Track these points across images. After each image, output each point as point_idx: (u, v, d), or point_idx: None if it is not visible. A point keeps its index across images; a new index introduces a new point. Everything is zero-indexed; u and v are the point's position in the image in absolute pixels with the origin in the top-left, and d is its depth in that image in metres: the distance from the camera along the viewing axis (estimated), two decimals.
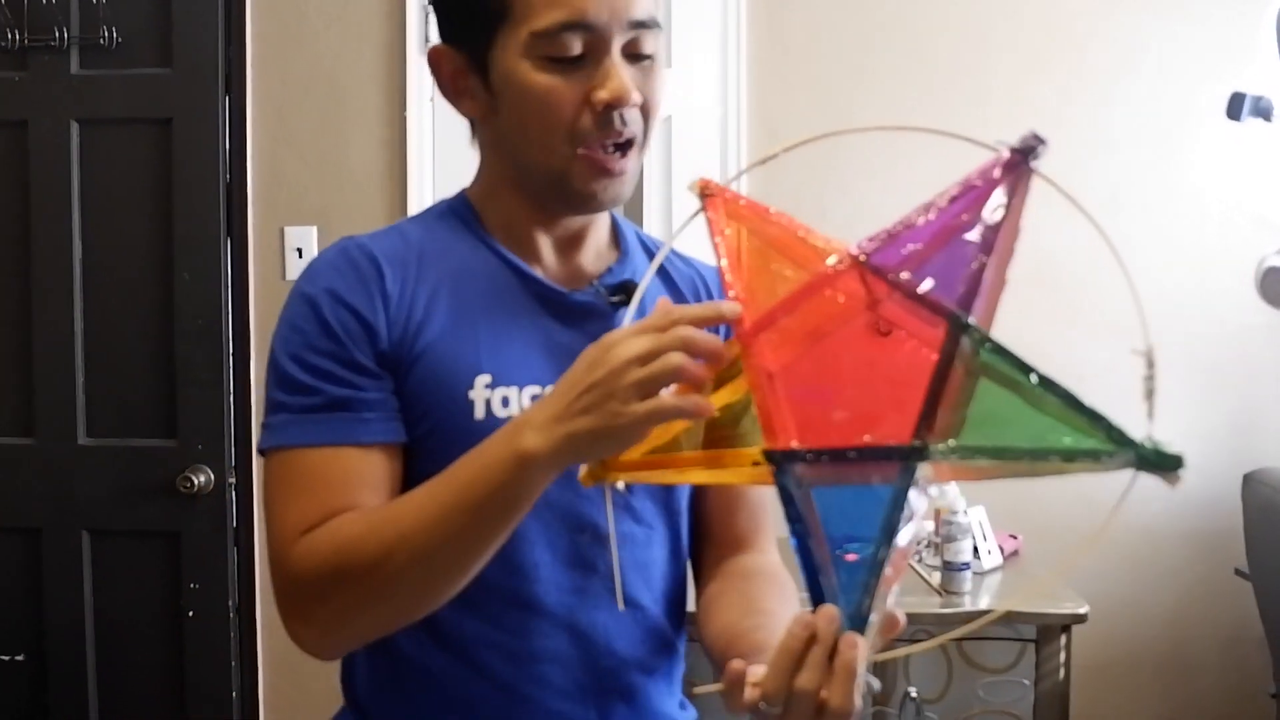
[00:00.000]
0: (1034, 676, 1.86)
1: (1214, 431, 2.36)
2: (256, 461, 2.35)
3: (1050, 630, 1.85)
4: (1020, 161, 0.75)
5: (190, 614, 2.26)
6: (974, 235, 0.72)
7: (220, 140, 2.24)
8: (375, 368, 0.90)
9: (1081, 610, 1.84)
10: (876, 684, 0.76)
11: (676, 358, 0.72)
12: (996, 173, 0.74)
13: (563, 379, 0.77)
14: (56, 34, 2.19)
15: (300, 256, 2.33)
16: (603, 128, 0.89)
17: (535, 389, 0.93)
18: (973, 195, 0.73)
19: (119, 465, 2.24)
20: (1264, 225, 2.27)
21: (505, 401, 0.92)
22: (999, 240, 0.72)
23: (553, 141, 0.90)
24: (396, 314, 0.91)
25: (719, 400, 0.78)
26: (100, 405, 2.25)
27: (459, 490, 0.80)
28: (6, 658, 2.28)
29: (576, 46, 0.88)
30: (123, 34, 2.20)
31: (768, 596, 0.98)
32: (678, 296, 1.04)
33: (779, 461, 0.72)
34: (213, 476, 2.23)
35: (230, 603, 2.27)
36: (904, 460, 0.69)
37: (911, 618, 1.84)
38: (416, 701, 0.95)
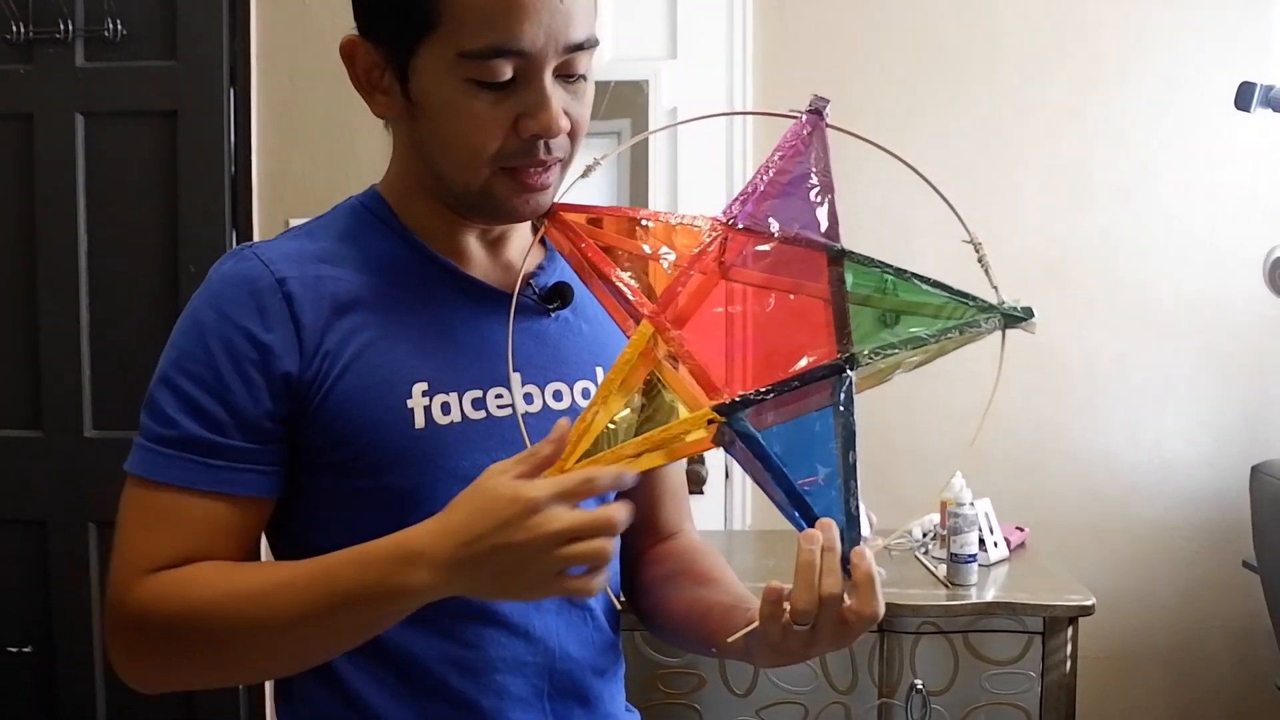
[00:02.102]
0: (1040, 669, 1.86)
1: (1223, 423, 2.35)
2: None
3: (1057, 622, 1.84)
4: (818, 118, 0.88)
5: None
6: (811, 181, 0.84)
7: (225, 133, 2.24)
8: (255, 414, 0.83)
9: (1088, 602, 1.84)
10: (884, 572, 0.87)
11: (606, 545, 0.73)
12: (805, 130, 0.87)
13: (464, 520, 0.74)
14: (61, 27, 2.19)
15: None
16: (528, 154, 0.84)
17: (475, 393, 0.88)
18: (792, 152, 0.86)
19: (125, 457, 2.24)
20: (1275, 216, 2.26)
21: (445, 408, 0.86)
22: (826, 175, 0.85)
23: (475, 164, 0.85)
24: (310, 329, 0.84)
25: (619, 401, 0.80)
26: (106, 398, 2.26)
27: (331, 597, 0.77)
28: (14, 649, 2.28)
29: (507, 72, 0.81)
30: (127, 26, 2.20)
31: (714, 568, 1.02)
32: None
33: (732, 411, 0.78)
34: None
35: None
36: (839, 374, 0.79)
37: (917, 610, 1.84)
38: None
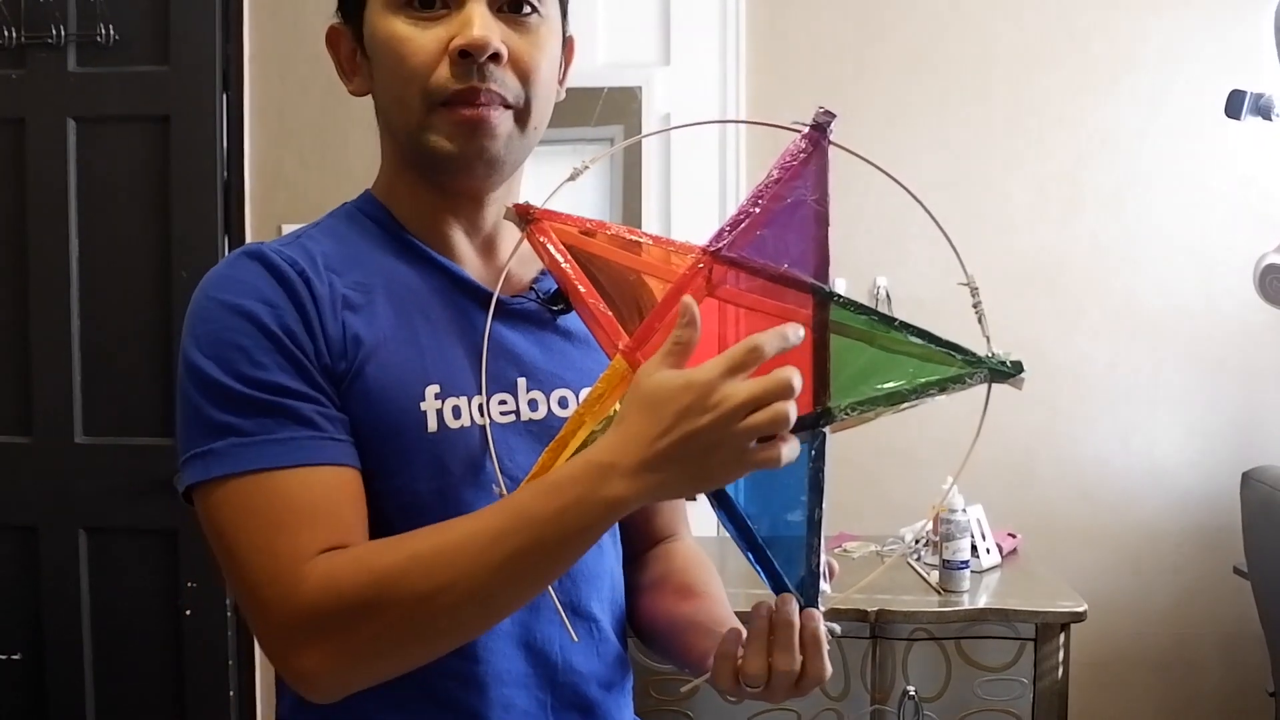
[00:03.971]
0: (1033, 675, 1.86)
1: (1213, 429, 2.36)
2: None
3: (1049, 628, 1.85)
4: (820, 136, 0.81)
5: (188, 613, 2.26)
6: (806, 210, 0.79)
7: (218, 138, 2.24)
8: (328, 388, 0.82)
9: (1080, 608, 1.84)
10: (837, 629, 0.83)
11: (786, 408, 0.71)
12: (804, 147, 0.80)
13: (645, 420, 0.73)
14: (54, 31, 2.19)
15: None
16: (460, 79, 0.83)
17: (482, 398, 0.87)
18: (790, 174, 0.79)
19: (116, 463, 2.24)
20: (1266, 223, 2.27)
21: (456, 412, 0.85)
22: (823, 204, 0.79)
23: (408, 95, 0.85)
24: (332, 325, 0.83)
25: (592, 426, 0.80)
26: (97, 404, 2.25)
27: (531, 532, 0.75)
28: (4, 656, 2.27)
29: None
30: (120, 31, 2.20)
31: (701, 581, 1.01)
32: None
33: None
34: None
35: (228, 601, 2.27)
36: (815, 427, 0.77)
37: (910, 617, 1.85)
38: None
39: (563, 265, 0.82)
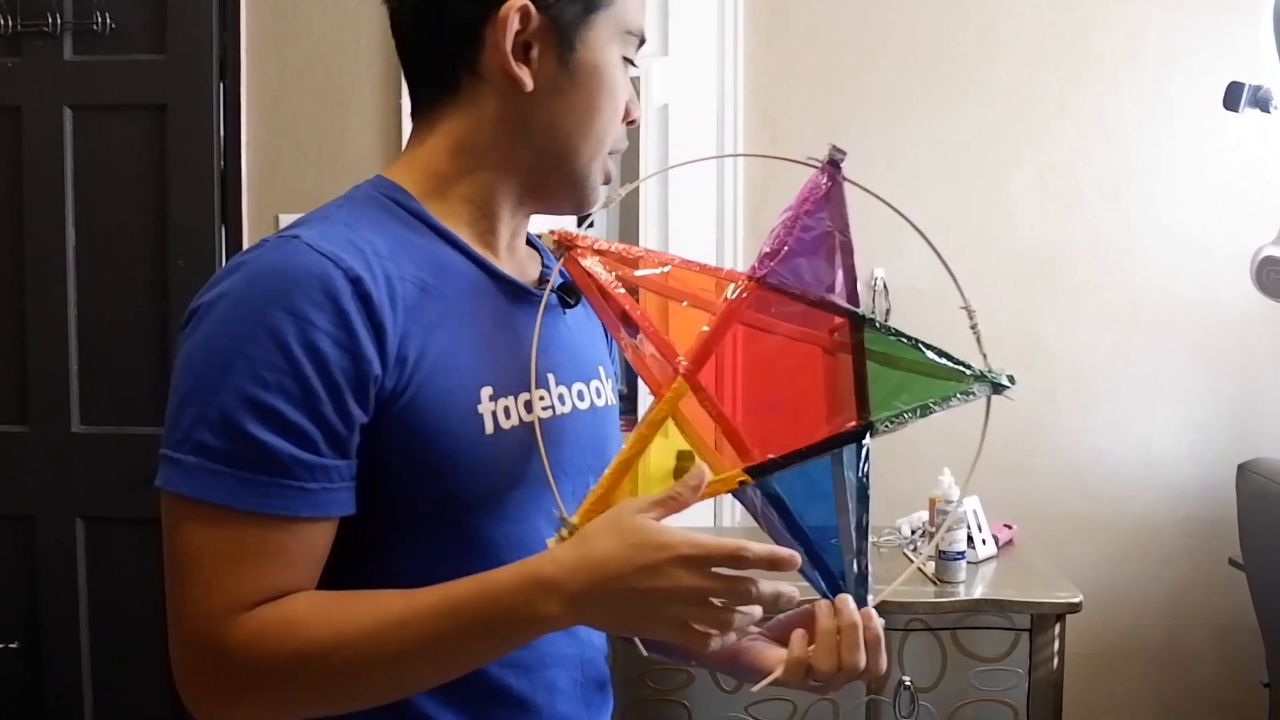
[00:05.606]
0: (1028, 665, 1.87)
1: (1209, 421, 2.36)
2: None
3: (1044, 619, 1.85)
4: (834, 170, 0.87)
5: None
6: (832, 240, 0.86)
7: (215, 127, 2.24)
8: (343, 426, 0.77)
9: (1075, 599, 1.84)
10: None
11: (733, 618, 0.76)
12: (824, 182, 0.87)
13: (607, 557, 0.74)
14: (50, 20, 2.18)
15: None
16: (621, 140, 0.92)
17: (525, 395, 0.86)
18: (814, 208, 0.86)
19: (113, 452, 2.24)
20: (1263, 214, 2.27)
21: (507, 412, 0.84)
22: (846, 234, 0.87)
23: (605, 140, 0.89)
24: (390, 334, 0.79)
25: (670, 451, 0.84)
26: (94, 393, 2.25)
27: (456, 632, 0.75)
28: (1, 645, 2.27)
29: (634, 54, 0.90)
30: (117, 20, 2.19)
31: None
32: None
33: (764, 473, 0.81)
34: None
35: None
36: (858, 440, 0.83)
37: (906, 607, 1.85)
38: None
39: (612, 291, 0.86)
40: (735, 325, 0.83)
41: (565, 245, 0.86)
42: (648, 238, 2.32)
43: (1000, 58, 2.33)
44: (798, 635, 0.84)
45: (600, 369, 0.98)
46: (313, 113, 2.32)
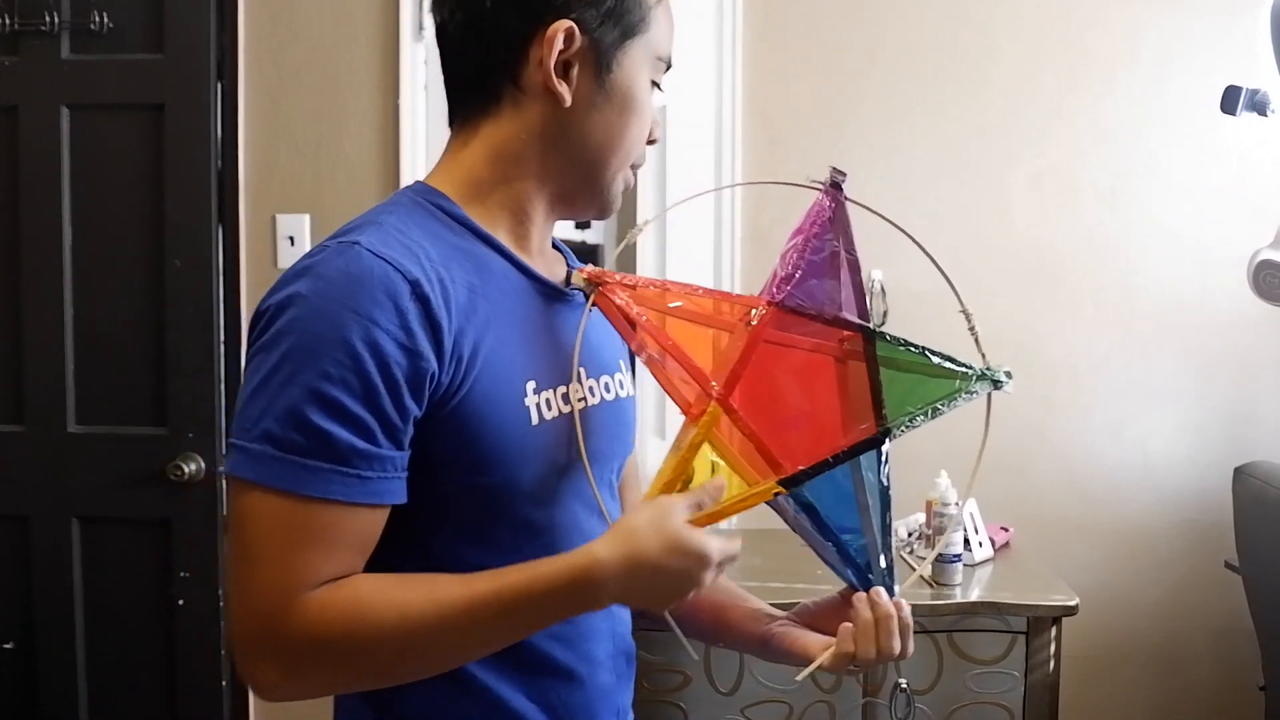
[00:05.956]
0: (1024, 668, 1.87)
1: (1206, 425, 2.36)
2: None
3: (1040, 622, 1.85)
4: (837, 191, 0.94)
5: (180, 603, 2.26)
6: (840, 259, 0.93)
7: (212, 127, 2.23)
8: (400, 420, 0.83)
9: (1072, 602, 1.85)
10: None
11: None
12: (829, 205, 0.94)
13: (653, 559, 0.85)
14: (47, 19, 2.18)
15: (292, 244, 2.32)
16: (642, 158, 1.00)
17: (563, 388, 0.94)
18: (820, 230, 0.93)
19: (109, 453, 2.23)
20: (1260, 217, 2.27)
21: (548, 404, 0.92)
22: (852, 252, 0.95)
23: (631, 155, 0.98)
24: (446, 334, 0.85)
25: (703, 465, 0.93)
26: (90, 393, 2.24)
27: (507, 619, 0.85)
28: None
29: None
30: (114, 19, 2.19)
31: None
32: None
33: (796, 484, 0.90)
34: (203, 465, 2.22)
35: (220, 591, 2.27)
36: (878, 446, 0.91)
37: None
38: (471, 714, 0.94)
39: (642, 323, 0.93)
40: (760, 348, 0.90)
41: (595, 282, 0.94)
42: (646, 241, 2.32)
43: (998, 59, 2.34)
44: (845, 630, 0.94)
45: (620, 363, 1.08)
46: (310, 113, 2.31)
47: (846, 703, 1.88)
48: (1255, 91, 1.95)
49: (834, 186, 0.94)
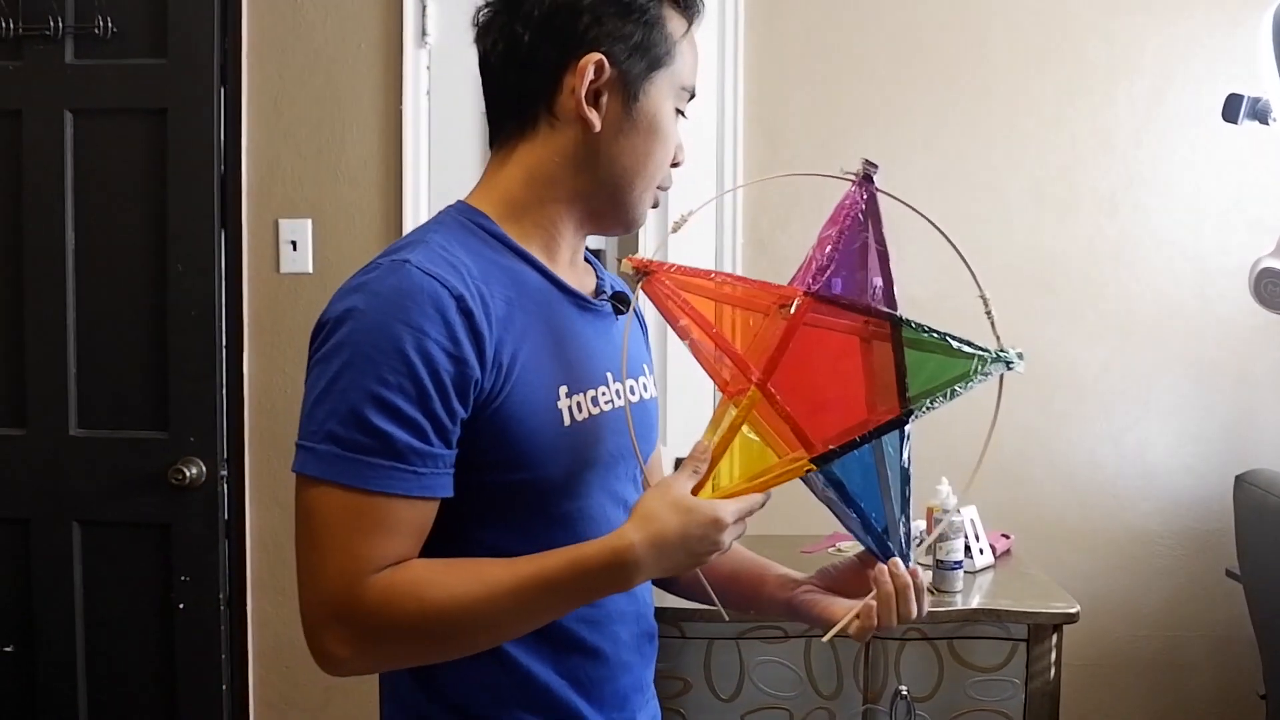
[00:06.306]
0: (1024, 676, 1.87)
1: (1207, 433, 2.36)
2: (249, 454, 2.35)
3: (1041, 630, 1.85)
4: (869, 183, 1.01)
5: (181, 606, 2.26)
6: (871, 251, 0.99)
7: (215, 132, 2.24)
8: (449, 421, 0.92)
9: (1072, 610, 1.84)
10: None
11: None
12: (863, 198, 1.00)
13: (674, 534, 0.93)
14: (51, 23, 2.18)
15: (295, 249, 2.32)
16: (667, 179, 1.08)
17: (592, 391, 1.03)
18: (853, 224, 0.99)
19: (110, 456, 2.23)
20: (1260, 227, 2.27)
21: (579, 406, 1.01)
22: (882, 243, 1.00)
23: (656, 178, 1.06)
24: (487, 343, 0.94)
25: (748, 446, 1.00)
26: (92, 396, 2.25)
27: (550, 599, 0.94)
28: None
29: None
30: (118, 24, 2.20)
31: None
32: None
33: (827, 461, 0.96)
34: (204, 469, 2.22)
35: (221, 595, 2.27)
36: (903, 425, 0.98)
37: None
38: (510, 694, 1.02)
39: (687, 309, 0.98)
40: (796, 335, 0.96)
41: (643, 271, 0.98)
42: (646, 241, 2.32)
43: (998, 68, 2.34)
44: (869, 605, 1.02)
45: (645, 366, 1.17)
46: (313, 118, 2.32)
47: (847, 710, 1.87)
48: (1257, 100, 1.95)
49: (866, 179, 1.01)
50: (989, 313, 1.00)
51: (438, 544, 0.95)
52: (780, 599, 1.13)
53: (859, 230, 0.99)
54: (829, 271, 0.98)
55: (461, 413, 0.93)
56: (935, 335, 0.98)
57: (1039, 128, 2.34)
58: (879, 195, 1.01)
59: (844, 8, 2.35)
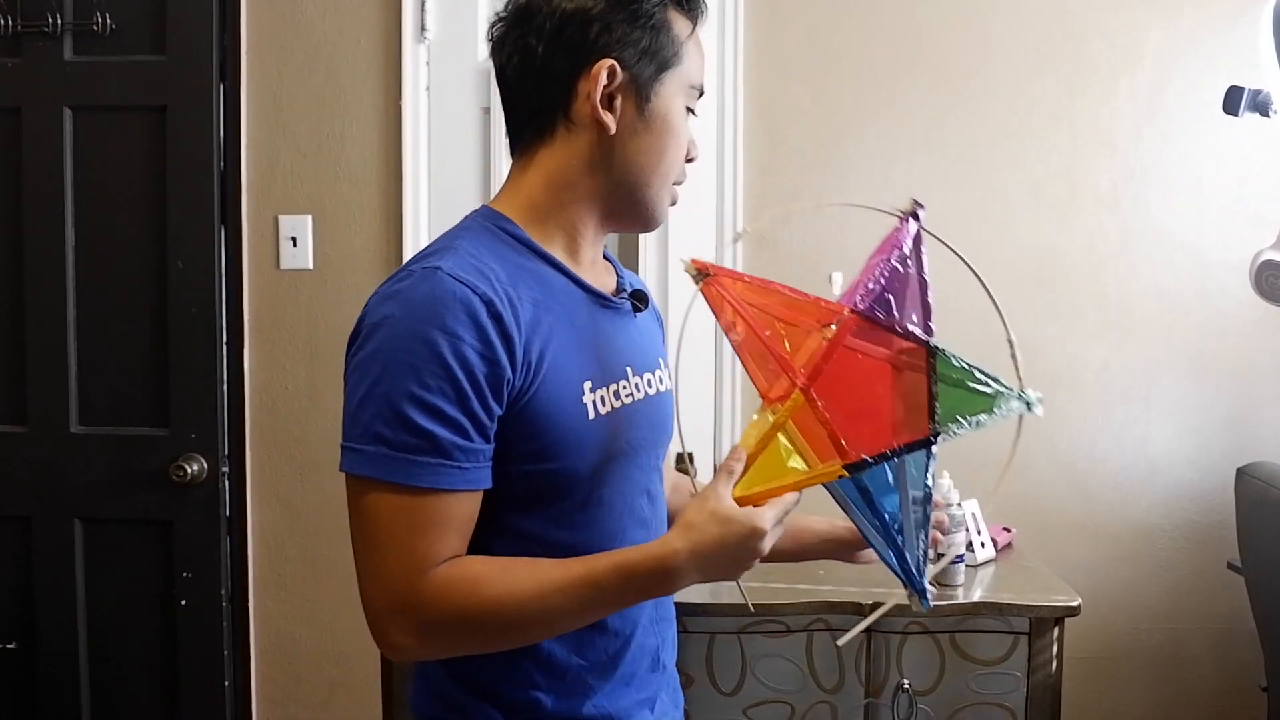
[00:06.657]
0: (1026, 669, 1.87)
1: (1208, 425, 2.36)
2: (250, 451, 2.35)
3: (1043, 623, 1.85)
4: (914, 220, 1.06)
5: (182, 603, 2.26)
6: (914, 281, 1.04)
7: (215, 128, 2.23)
8: (486, 418, 0.97)
9: (1074, 603, 1.85)
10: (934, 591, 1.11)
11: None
12: (910, 228, 1.05)
13: (715, 543, 0.96)
14: (50, 20, 2.18)
15: (295, 245, 2.32)
16: (683, 175, 1.13)
17: (614, 385, 1.08)
18: (895, 249, 1.04)
19: (111, 453, 2.24)
20: (1261, 220, 2.27)
21: (603, 400, 1.06)
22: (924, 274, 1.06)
23: (671, 174, 1.10)
24: (516, 344, 0.98)
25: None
26: (93, 393, 2.25)
27: (597, 599, 0.99)
28: None
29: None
30: (117, 20, 2.19)
31: None
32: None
33: (860, 469, 0.99)
34: (205, 466, 2.23)
35: (223, 592, 2.27)
36: (929, 446, 1.02)
37: (904, 609, 1.85)
38: (530, 674, 1.08)
39: (744, 312, 1.01)
40: (840, 348, 1.00)
41: (704, 272, 1.01)
42: (647, 241, 2.33)
43: (998, 64, 2.34)
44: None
45: (660, 360, 1.21)
46: (313, 114, 2.32)
47: (848, 703, 1.88)
48: (1258, 92, 1.95)
49: (913, 216, 1.06)
50: (1014, 355, 1.05)
51: (476, 532, 1.01)
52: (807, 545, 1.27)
53: (904, 261, 1.05)
54: (874, 294, 1.03)
55: (497, 409, 0.98)
56: (965, 366, 1.03)
57: (1039, 124, 2.34)
58: (922, 230, 1.07)
59: (844, 7, 2.34)
